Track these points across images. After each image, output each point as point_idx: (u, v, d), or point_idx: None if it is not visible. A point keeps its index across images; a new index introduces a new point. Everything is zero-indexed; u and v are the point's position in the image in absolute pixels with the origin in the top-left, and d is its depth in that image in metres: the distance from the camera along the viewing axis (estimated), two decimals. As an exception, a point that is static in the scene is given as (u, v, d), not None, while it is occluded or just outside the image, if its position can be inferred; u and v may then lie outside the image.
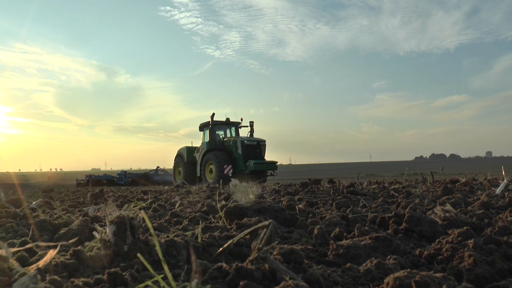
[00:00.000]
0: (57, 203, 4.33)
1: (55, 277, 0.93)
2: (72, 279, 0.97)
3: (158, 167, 27.23)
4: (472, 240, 1.27)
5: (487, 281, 1.04)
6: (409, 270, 0.91)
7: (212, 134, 17.04)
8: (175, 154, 19.55)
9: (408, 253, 1.33)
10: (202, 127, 18.00)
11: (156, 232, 1.82)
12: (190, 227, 1.96)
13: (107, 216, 1.25)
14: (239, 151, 16.28)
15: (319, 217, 2.21)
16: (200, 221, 2.04)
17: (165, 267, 0.89)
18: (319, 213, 2.46)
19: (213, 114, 16.91)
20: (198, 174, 17.26)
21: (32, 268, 0.98)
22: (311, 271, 1.03)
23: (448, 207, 1.82)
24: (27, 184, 23.16)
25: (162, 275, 0.91)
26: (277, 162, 16.40)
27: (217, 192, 3.73)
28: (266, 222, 1.20)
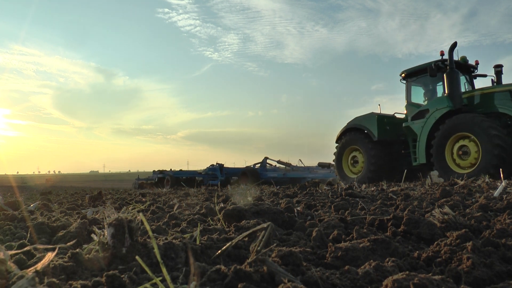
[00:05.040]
0: (55, 206, 4.32)
1: (53, 279, 0.93)
2: (70, 282, 0.97)
3: (266, 158, 17.26)
4: (470, 243, 1.27)
5: (485, 284, 1.05)
6: (407, 272, 0.91)
7: (455, 82, 8.49)
8: (339, 132, 10.83)
9: (406, 256, 1.33)
10: (432, 71, 8.78)
11: (155, 234, 1.82)
12: (189, 230, 1.96)
13: (105, 218, 1.25)
14: None
15: (317, 220, 2.21)
16: (199, 224, 2.04)
17: (164, 270, 0.88)
18: (318, 215, 2.46)
19: (455, 43, 8.60)
20: (420, 161, 8.94)
21: (30, 271, 0.98)
22: (309, 274, 1.03)
23: (446, 209, 1.82)
24: (25, 187, 23.09)
25: (160, 278, 0.91)
26: None
27: (215, 195, 3.73)
28: (265, 225, 1.20)
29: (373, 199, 3.81)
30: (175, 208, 3.35)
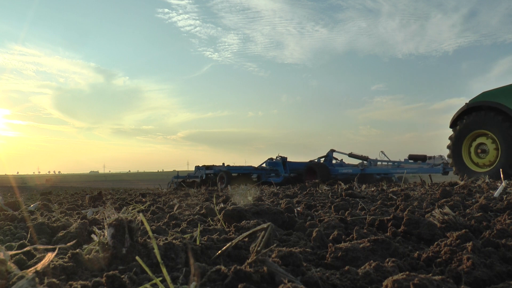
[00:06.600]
0: (56, 206, 4.32)
1: (53, 280, 0.93)
2: (70, 282, 0.97)
3: (332, 150, 14.03)
4: (470, 243, 1.27)
5: (485, 284, 1.05)
6: (407, 273, 0.91)
7: None
8: (456, 113, 7.90)
9: (406, 256, 1.34)
10: None
11: (155, 234, 1.82)
12: (189, 230, 1.96)
13: (105, 219, 1.25)
14: None
15: (317, 220, 2.21)
16: (199, 224, 2.04)
17: (164, 270, 0.88)
18: (318, 215, 2.46)
19: None
20: None
21: (30, 271, 0.98)
22: (309, 274, 1.03)
23: (446, 209, 1.82)
24: (25, 187, 23.07)
25: (160, 278, 0.91)
26: None
27: (215, 195, 3.73)
28: (265, 225, 1.20)
29: (373, 199, 3.81)
30: (175, 208, 3.35)
